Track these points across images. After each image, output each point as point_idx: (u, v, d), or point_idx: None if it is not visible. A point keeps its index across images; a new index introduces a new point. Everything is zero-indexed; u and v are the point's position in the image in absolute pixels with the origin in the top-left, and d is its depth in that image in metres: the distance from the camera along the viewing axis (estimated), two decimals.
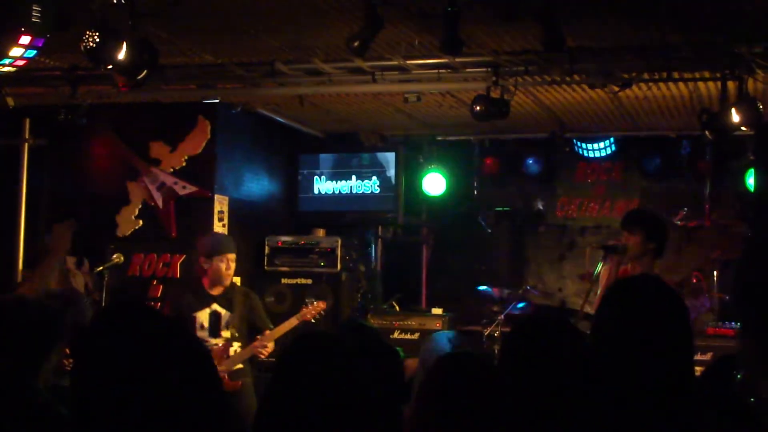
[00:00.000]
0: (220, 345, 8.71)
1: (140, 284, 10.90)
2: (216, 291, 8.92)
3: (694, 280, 11.14)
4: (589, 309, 8.57)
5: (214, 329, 8.79)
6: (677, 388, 3.35)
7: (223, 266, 8.85)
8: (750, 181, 11.58)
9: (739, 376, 3.76)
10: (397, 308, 12.34)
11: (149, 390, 3.01)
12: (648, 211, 8.49)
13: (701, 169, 12.47)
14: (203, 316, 8.83)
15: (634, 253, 7.96)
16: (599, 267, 8.45)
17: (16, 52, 6.65)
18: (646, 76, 9.01)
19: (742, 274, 10.17)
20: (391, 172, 12.53)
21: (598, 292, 8.33)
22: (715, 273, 11.54)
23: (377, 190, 12.53)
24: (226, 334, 8.77)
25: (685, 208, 12.32)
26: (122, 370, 3.00)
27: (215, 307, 8.85)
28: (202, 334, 8.64)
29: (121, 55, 6.93)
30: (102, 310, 3.45)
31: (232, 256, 8.96)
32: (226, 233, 11.03)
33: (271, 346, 8.83)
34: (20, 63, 6.89)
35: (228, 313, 8.85)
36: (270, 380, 3.68)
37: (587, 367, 3.53)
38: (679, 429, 3.31)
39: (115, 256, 9.98)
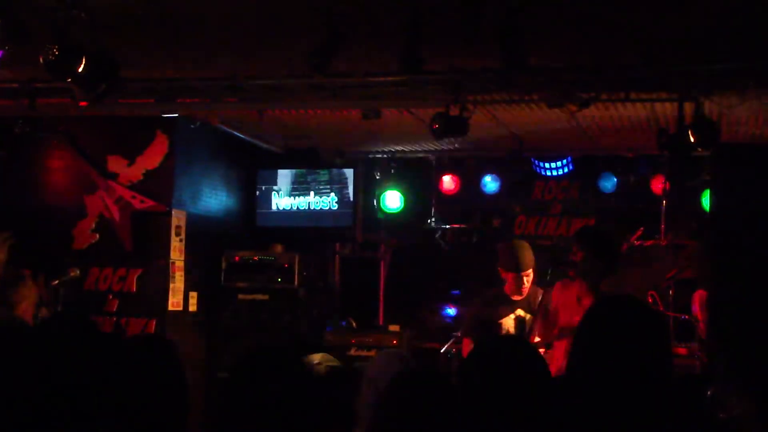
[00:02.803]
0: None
1: (96, 298, 10.83)
2: (517, 297, 8.93)
3: (650, 299, 11.17)
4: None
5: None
6: (656, 411, 3.37)
7: (518, 281, 8.84)
8: (706, 201, 11.68)
9: (709, 393, 3.80)
10: (354, 325, 12.33)
11: (81, 397, 3.02)
12: (598, 228, 8.61)
13: (658, 189, 12.54)
14: (508, 323, 8.82)
15: (582, 270, 8.04)
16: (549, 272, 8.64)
17: None
18: (604, 96, 9.06)
19: (712, 295, 10.27)
20: (350, 189, 12.54)
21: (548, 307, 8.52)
22: (670, 292, 11.59)
23: (335, 207, 12.53)
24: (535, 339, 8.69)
25: (641, 228, 12.38)
26: (56, 379, 3.01)
27: (519, 312, 8.83)
28: None
29: (81, 68, 6.89)
30: (42, 323, 3.48)
31: (528, 272, 8.89)
32: (184, 247, 11.01)
33: None
34: None
35: (531, 317, 8.76)
36: (222, 393, 3.67)
37: (547, 389, 3.54)
38: None
39: (71, 270, 9.94)
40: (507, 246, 9.40)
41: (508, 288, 8.97)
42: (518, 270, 8.86)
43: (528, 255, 8.99)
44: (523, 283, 8.85)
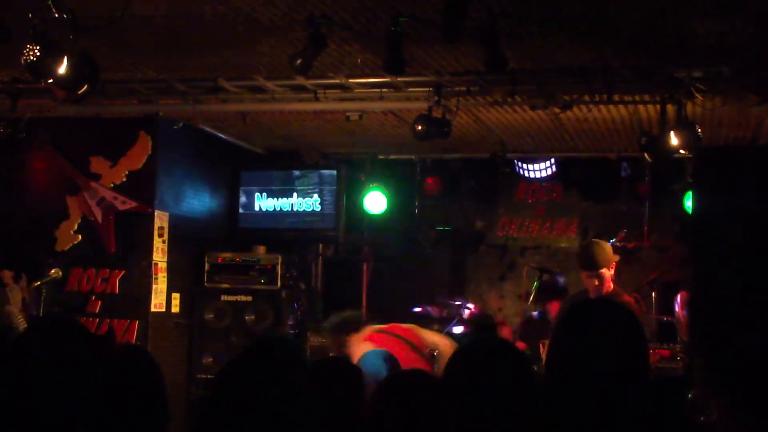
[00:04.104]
0: None
1: (78, 300, 10.80)
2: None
3: (633, 301, 11.19)
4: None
5: None
6: (633, 413, 3.37)
7: (586, 281, 8.76)
8: (688, 203, 11.71)
9: (689, 396, 3.80)
10: None
11: (70, 399, 3.01)
12: None
13: (640, 190, 12.58)
14: None
15: None
16: (534, 286, 8.64)
17: None
18: (586, 98, 9.08)
19: (693, 297, 10.29)
20: (333, 190, 12.52)
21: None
22: (653, 294, 11.60)
23: (318, 208, 12.51)
24: None
25: (624, 230, 12.41)
26: (44, 382, 3.00)
27: None
28: None
29: (62, 69, 6.87)
30: (30, 325, 3.47)
31: (594, 273, 8.70)
32: (167, 248, 10.99)
33: None
34: None
35: None
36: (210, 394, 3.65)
37: (532, 389, 3.54)
38: None
39: (53, 271, 9.91)
40: (584, 243, 9.35)
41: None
42: (583, 268, 8.79)
43: (596, 255, 8.75)
44: (592, 284, 8.70)
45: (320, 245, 13.39)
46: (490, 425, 3.46)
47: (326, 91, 9.31)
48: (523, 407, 3.49)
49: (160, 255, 11.01)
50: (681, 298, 11.06)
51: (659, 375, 9.14)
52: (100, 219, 10.93)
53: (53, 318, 3.52)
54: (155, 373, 3.57)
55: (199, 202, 11.97)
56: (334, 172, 12.63)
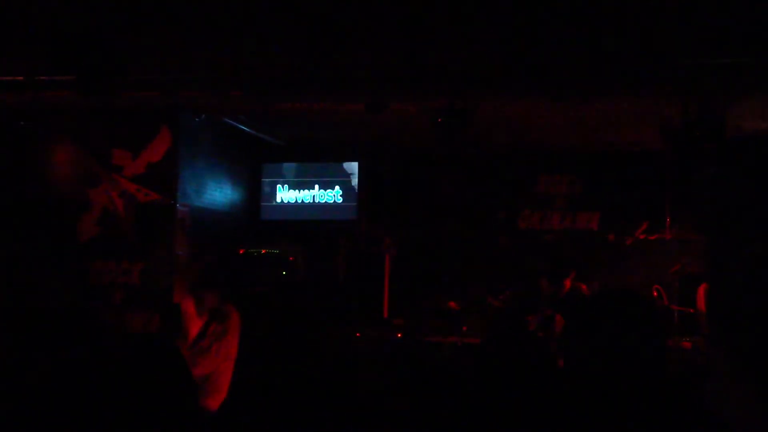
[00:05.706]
0: None
1: (100, 291, 10.82)
2: None
3: (655, 293, 11.16)
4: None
5: None
6: (650, 404, 3.37)
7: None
8: (710, 195, 11.67)
9: (708, 388, 3.78)
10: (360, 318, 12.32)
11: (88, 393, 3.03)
12: None
13: (662, 183, 12.52)
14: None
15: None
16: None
17: None
18: (608, 90, 9.04)
19: (713, 288, 10.26)
20: (354, 182, 12.54)
21: None
22: (675, 286, 11.56)
23: (340, 200, 12.53)
24: None
25: (646, 222, 12.37)
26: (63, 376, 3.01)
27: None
28: None
29: (86, 62, 6.89)
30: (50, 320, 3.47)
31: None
32: (187, 240, 11.01)
33: None
34: None
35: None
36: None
37: (549, 381, 3.54)
38: None
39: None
40: None
41: None
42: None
43: None
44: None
45: (342, 237, 13.39)
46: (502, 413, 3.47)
47: (348, 84, 9.28)
48: (539, 397, 3.49)
49: (181, 247, 11.02)
50: (703, 291, 11.02)
51: (679, 367, 9.13)
52: (122, 211, 10.96)
53: (73, 312, 3.52)
54: (178, 364, 3.58)
55: (220, 194, 11.99)
56: (356, 163, 12.64)
